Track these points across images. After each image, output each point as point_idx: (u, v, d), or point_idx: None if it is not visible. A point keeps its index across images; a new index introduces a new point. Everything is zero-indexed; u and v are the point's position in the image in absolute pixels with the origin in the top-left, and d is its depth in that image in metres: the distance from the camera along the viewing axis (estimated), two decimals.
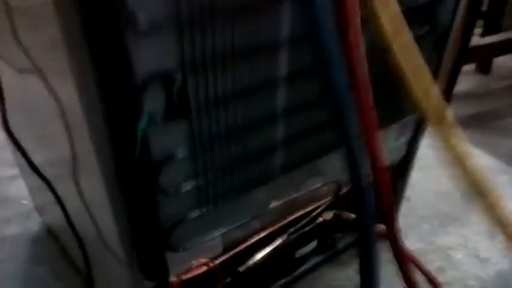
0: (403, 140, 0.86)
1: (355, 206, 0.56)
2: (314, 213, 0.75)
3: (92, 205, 0.63)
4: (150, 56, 0.46)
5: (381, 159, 0.57)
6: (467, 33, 1.41)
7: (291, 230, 0.74)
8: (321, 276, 1.01)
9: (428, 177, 1.28)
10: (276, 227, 0.73)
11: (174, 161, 0.54)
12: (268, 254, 0.72)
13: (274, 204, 0.69)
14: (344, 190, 0.78)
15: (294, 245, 0.82)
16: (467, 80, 1.79)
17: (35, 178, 0.70)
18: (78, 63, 0.43)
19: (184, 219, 0.60)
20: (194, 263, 0.63)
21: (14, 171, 1.19)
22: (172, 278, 0.62)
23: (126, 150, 0.48)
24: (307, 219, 0.74)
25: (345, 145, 0.53)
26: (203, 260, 0.63)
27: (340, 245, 1.02)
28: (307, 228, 0.76)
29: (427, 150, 1.39)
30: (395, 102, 0.77)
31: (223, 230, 0.66)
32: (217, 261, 0.65)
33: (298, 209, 0.75)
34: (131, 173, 0.51)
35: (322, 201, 0.76)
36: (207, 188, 0.60)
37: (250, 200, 0.67)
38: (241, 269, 0.70)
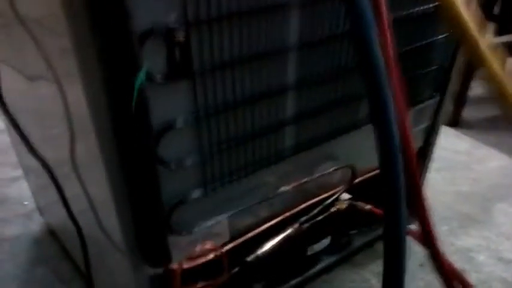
0: (421, 127, 0.81)
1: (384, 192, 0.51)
2: (327, 201, 0.70)
3: (90, 186, 0.59)
4: (151, 6, 0.42)
5: (411, 145, 0.53)
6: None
7: (303, 219, 0.68)
8: (335, 278, 0.96)
9: (447, 179, 1.24)
10: (286, 215, 0.68)
11: (175, 130, 0.50)
12: (278, 244, 0.67)
13: (284, 188, 0.64)
14: (359, 178, 0.74)
15: (306, 238, 0.77)
16: (482, 85, 1.75)
17: (37, 178, 0.67)
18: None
19: (187, 198, 0.55)
20: (198, 248, 0.58)
21: (17, 173, 1.17)
22: (175, 265, 0.58)
23: (124, 111, 0.44)
24: (320, 207, 0.69)
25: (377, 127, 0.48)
26: (208, 246, 0.58)
27: (356, 244, 0.97)
28: (319, 218, 0.71)
29: (444, 152, 1.36)
30: (413, 86, 0.74)
31: (230, 214, 0.61)
32: (223, 249, 0.60)
33: (310, 198, 0.70)
34: (130, 142, 0.47)
35: (336, 190, 0.71)
36: (211, 163, 0.55)
37: (259, 182, 0.62)
38: (249, 258, 0.65)
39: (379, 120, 0.44)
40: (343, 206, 0.73)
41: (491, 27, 1.58)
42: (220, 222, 0.61)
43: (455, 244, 1.04)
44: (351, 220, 0.81)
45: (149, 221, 0.53)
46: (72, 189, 0.63)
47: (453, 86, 0.82)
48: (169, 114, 0.49)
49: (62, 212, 0.65)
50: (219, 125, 0.54)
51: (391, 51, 0.47)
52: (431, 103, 0.80)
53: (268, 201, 0.64)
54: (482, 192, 1.20)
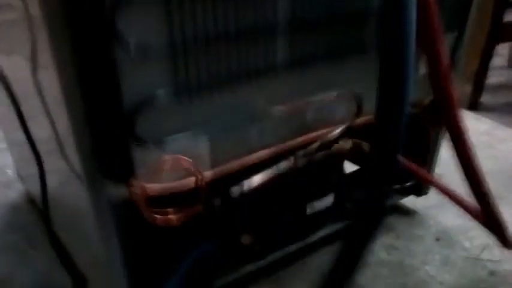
0: None
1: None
2: (329, 136, 0.60)
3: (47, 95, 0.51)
4: None
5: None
6: (500, 8, 1.29)
7: (299, 153, 0.59)
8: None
9: None
10: (280, 147, 0.58)
11: (140, 5, 0.41)
12: (268, 180, 0.57)
13: (275, 109, 0.55)
14: (366, 117, 0.64)
15: (303, 187, 0.67)
16: (500, 74, 1.68)
17: (20, 149, 0.59)
18: None
19: (154, 98, 0.46)
20: (169, 165, 0.49)
21: (2, 145, 1.10)
22: (138, 183, 0.48)
23: None
24: (319, 142, 0.59)
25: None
26: (182, 163, 0.49)
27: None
28: (319, 156, 0.61)
29: None
30: None
31: (210, 131, 0.52)
32: (201, 173, 0.51)
33: (309, 132, 0.60)
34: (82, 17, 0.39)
35: (339, 125, 0.61)
36: (185, 58, 0.47)
37: (245, 97, 0.53)
38: (233, 192, 0.55)
39: None
40: (347, 146, 0.63)
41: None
42: (198, 141, 0.52)
43: None
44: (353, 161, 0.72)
45: (107, 122, 0.44)
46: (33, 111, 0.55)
47: (472, 23, 0.72)
48: None
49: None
50: (194, 10, 0.45)
51: None
52: (448, 39, 0.71)
53: (258, 129, 0.55)
54: (506, 170, 1.09)
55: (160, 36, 0.44)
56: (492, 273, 0.80)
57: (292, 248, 0.77)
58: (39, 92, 0.52)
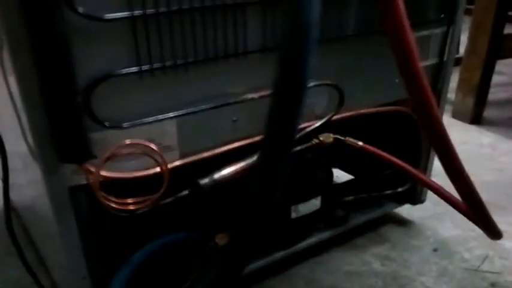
0: (425, 64, 0.69)
1: None
2: (309, 128, 0.56)
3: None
4: None
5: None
6: (500, 20, 1.27)
7: None
8: (330, 259, 0.81)
9: (468, 170, 1.09)
10: (255, 139, 0.55)
11: None
12: (240, 170, 0.53)
13: (247, 95, 0.52)
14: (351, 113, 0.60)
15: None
16: (505, 90, 1.64)
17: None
18: None
19: (112, 73, 0.44)
20: (128, 145, 0.45)
21: None
22: (93, 167, 0.45)
23: None
24: (300, 134, 0.56)
25: None
26: (145, 148, 0.46)
27: (354, 222, 0.82)
28: (298, 148, 0.57)
29: (467, 146, 1.22)
30: None
31: (176, 115, 0.49)
32: (163, 157, 0.47)
33: None
34: None
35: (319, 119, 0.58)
36: (146, 30, 0.44)
37: (214, 80, 0.50)
38: (202, 181, 0.51)
39: None
40: (329, 139, 0.59)
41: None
42: (163, 125, 0.49)
43: (476, 230, 0.88)
44: (339, 162, 0.68)
45: (61, 100, 0.42)
46: None
47: (462, 11, 0.69)
48: None
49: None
50: None
51: None
52: (438, 33, 0.68)
53: (230, 120, 0.52)
54: (508, 182, 1.05)
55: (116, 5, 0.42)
56: (493, 284, 0.74)
57: (278, 255, 0.73)
58: (4, 75, 0.49)
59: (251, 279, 0.74)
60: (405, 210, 0.92)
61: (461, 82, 1.36)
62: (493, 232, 0.61)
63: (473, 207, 0.55)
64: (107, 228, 0.51)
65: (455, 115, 1.40)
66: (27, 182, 0.59)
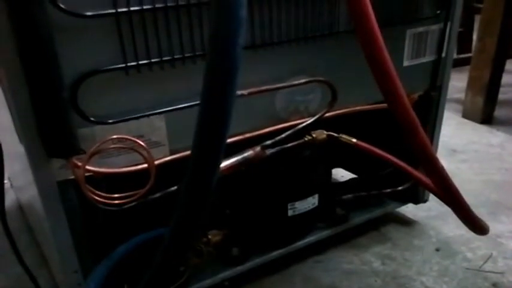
0: (421, 61, 0.68)
1: None
2: (301, 125, 0.55)
3: None
4: None
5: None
6: (509, 19, 1.24)
7: (267, 142, 0.55)
8: (330, 258, 0.80)
9: (474, 169, 1.09)
10: (246, 136, 0.55)
11: None
12: (231, 167, 0.53)
13: (239, 91, 0.52)
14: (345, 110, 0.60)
15: (280, 182, 0.63)
16: None
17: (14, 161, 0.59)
18: None
19: (98, 69, 0.45)
20: (114, 140, 0.46)
21: None
22: (79, 162, 0.45)
23: None
24: (291, 131, 0.56)
25: None
26: (131, 143, 0.46)
27: (355, 221, 0.82)
28: (290, 145, 0.57)
29: (476, 146, 1.21)
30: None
31: (164, 111, 0.50)
32: (150, 153, 0.48)
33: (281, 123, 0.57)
34: None
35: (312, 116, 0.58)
36: (130, 27, 0.45)
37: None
38: None
39: None
40: (322, 135, 0.59)
41: None
42: (152, 121, 0.49)
43: None
44: (333, 159, 0.67)
45: (48, 94, 0.43)
46: None
47: (459, 7, 0.68)
48: None
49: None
50: None
51: None
52: (434, 30, 0.67)
53: None
54: None
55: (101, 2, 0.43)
56: (494, 284, 0.73)
57: (276, 254, 0.73)
58: None
59: (249, 277, 0.74)
60: (409, 211, 0.91)
61: (471, 81, 1.34)
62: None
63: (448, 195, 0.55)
64: (98, 223, 0.52)
65: (466, 115, 1.38)
66: (25, 179, 0.60)
